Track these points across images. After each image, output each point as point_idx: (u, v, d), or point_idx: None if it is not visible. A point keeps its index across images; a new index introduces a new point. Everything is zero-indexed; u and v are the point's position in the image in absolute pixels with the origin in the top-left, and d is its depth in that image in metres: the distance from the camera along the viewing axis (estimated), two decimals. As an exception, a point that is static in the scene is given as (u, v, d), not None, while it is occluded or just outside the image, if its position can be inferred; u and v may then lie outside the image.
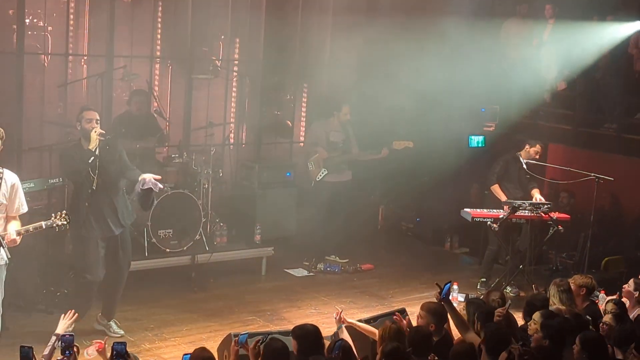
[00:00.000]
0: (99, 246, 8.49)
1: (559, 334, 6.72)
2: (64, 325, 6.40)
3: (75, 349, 5.78)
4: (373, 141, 11.89)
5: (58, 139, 10.57)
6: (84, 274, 8.56)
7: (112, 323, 8.85)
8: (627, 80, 12.79)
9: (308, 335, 6.42)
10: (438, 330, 7.10)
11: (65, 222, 7.53)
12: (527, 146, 11.20)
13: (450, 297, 8.04)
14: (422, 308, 7.29)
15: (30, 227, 7.43)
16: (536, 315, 7.08)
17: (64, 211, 7.56)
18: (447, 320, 7.34)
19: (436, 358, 6.34)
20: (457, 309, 7.46)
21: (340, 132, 11.70)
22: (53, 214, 7.58)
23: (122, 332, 8.77)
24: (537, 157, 11.22)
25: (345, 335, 7.07)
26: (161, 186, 8.54)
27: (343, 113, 11.68)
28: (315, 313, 9.97)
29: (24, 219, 7.63)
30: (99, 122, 8.39)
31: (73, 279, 9.01)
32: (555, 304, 7.90)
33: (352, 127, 11.82)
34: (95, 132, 8.26)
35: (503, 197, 10.92)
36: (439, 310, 7.18)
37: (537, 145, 11.21)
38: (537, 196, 11.00)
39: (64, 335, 5.72)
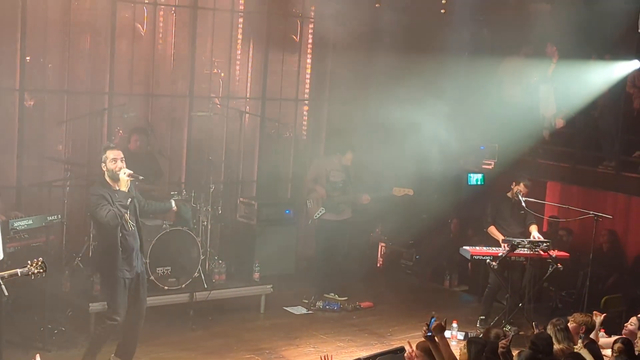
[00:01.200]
0: (126, 287, 8.32)
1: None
2: None
3: None
4: (373, 184, 11.93)
5: (57, 175, 10.59)
6: (113, 316, 8.30)
7: None
8: (626, 118, 12.81)
9: None
10: None
11: (41, 271, 7.46)
12: (513, 183, 11.20)
13: (450, 335, 8.03)
14: (417, 348, 7.26)
15: (6, 274, 7.38)
16: None
17: (41, 259, 7.49)
18: None
19: None
20: (454, 348, 7.44)
21: (340, 171, 11.72)
22: (29, 261, 7.52)
23: None
24: (523, 194, 11.14)
25: None
26: None
27: (346, 158, 11.73)
28: (314, 351, 9.92)
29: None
30: (123, 160, 8.27)
31: (98, 322, 8.73)
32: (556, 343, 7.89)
33: (354, 171, 11.86)
34: (125, 173, 8.16)
35: (500, 237, 10.92)
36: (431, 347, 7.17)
37: (521, 184, 11.14)
38: (534, 233, 10.98)
39: None
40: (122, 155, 8.28)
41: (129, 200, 8.15)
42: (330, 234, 11.68)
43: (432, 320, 7.21)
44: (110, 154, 8.24)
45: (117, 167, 8.17)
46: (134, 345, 8.71)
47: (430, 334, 7.16)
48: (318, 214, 11.62)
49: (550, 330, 8.18)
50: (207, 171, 11.36)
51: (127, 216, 8.18)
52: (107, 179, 8.25)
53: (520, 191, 11.08)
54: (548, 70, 13.19)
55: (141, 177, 8.47)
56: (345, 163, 11.73)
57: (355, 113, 12.45)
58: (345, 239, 11.90)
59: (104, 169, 8.25)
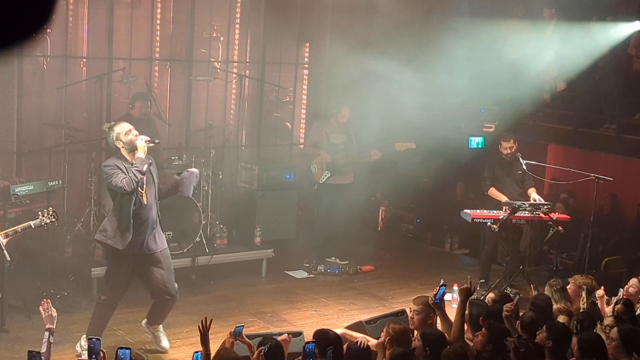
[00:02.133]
0: (129, 265, 8.06)
1: (563, 336, 6.74)
2: (49, 317, 6.34)
3: (102, 354, 5.65)
4: (373, 143, 11.89)
5: (57, 141, 10.58)
6: (107, 291, 8.18)
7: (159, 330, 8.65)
8: (627, 80, 12.80)
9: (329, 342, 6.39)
10: (435, 322, 7.16)
11: (53, 220, 7.50)
12: (501, 142, 11.14)
13: (450, 298, 8.08)
14: (415, 303, 7.31)
15: (19, 227, 7.43)
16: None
17: (51, 208, 7.49)
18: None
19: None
20: (454, 310, 7.49)
21: (341, 133, 11.71)
22: (40, 212, 7.56)
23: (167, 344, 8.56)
24: (510, 152, 10.94)
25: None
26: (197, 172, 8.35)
27: (341, 115, 11.69)
28: (316, 315, 9.97)
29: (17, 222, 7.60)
30: (134, 129, 8.03)
31: (104, 293, 8.35)
32: (554, 303, 7.96)
33: (354, 129, 11.83)
34: (142, 139, 7.90)
35: (503, 198, 10.85)
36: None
37: (510, 140, 11.00)
38: (534, 196, 10.95)
39: (90, 339, 5.60)
40: (132, 126, 8.08)
41: (146, 165, 7.88)
42: (332, 198, 11.69)
43: (442, 288, 7.25)
44: (123, 127, 7.99)
45: (132, 136, 7.92)
46: (162, 316, 8.61)
47: (437, 301, 7.20)
48: (323, 177, 11.62)
49: (547, 291, 8.25)
50: (207, 136, 11.35)
51: (144, 190, 7.93)
52: (124, 153, 7.99)
53: (504, 150, 10.96)
54: (547, 32, 13.15)
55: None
56: (342, 120, 11.70)
57: (355, 75, 12.38)
58: (347, 203, 11.91)
59: (119, 145, 7.97)
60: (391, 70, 12.04)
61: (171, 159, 10.95)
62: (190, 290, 10.28)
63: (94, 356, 5.59)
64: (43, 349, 6.02)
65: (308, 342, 5.69)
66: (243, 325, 6.66)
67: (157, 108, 11.32)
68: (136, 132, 7.97)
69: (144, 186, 7.94)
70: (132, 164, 7.86)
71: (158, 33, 11.91)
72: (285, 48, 12.92)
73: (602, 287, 8.55)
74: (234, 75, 12.43)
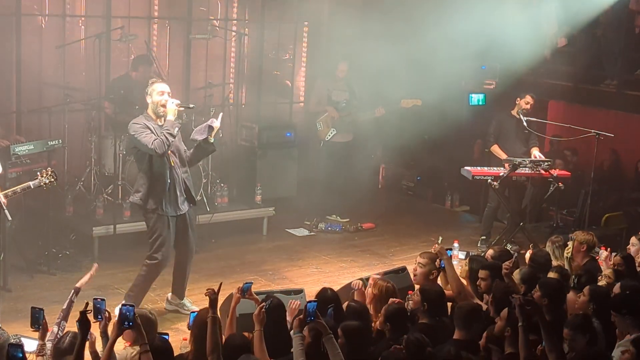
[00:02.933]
0: (171, 226, 8.15)
1: (557, 292, 6.78)
2: (84, 279, 6.45)
3: (106, 314, 5.70)
4: (375, 100, 11.85)
5: (56, 100, 10.55)
6: (154, 254, 8.15)
7: (185, 301, 8.60)
8: (628, 36, 12.72)
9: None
10: (436, 280, 7.20)
11: (52, 180, 7.51)
12: (517, 99, 11.13)
13: (451, 255, 8.12)
14: (421, 256, 7.38)
15: (18, 188, 7.43)
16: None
17: (50, 168, 7.50)
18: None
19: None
20: (455, 267, 7.56)
21: (343, 91, 11.67)
22: (38, 172, 7.56)
23: (196, 307, 8.06)
24: (529, 107, 11.00)
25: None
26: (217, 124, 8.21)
27: (340, 70, 11.65)
28: (317, 272, 10.02)
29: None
30: (171, 94, 8.06)
31: (152, 255, 8.25)
32: (554, 260, 7.99)
33: (357, 86, 11.77)
34: (173, 103, 7.92)
35: (503, 156, 10.87)
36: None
37: (527, 97, 11.04)
38: (535, 153, 10.95)
39: (95, 299, 5.60)
40: (169, 90, 8.08)
41: (177, 129, 7.92)
42: (334, 156, 11.69)
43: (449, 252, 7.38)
44: (158, 87, 8.01)
45: (163, 98, 7.94)
46: (185, 284, 8.60)
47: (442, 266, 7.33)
48: (329, 135, 11.60)
49: (548, 247, 8.28)
50: (207, 95, 11.31)
51: (172, 154, 7.98)
52: (151, 113, 8.02)
53: (523, 107, 10.99)
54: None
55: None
56: (340, 75, 11.66)
57: (355, 32, 12.31)
58: (348, 161, 11.91)
59: (149, 101, 8.01)
60: (390, 27, 11.97)
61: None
62: (191, 249, 10.31)
63: (99, 316, 5.62)
64: (64, 306, 6.23)
65: (310, 301, 5.72)
66: (252, 283, 6.69)
67: (157, 67, 11.27)
68: (168, 97, 7.96)
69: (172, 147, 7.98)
70: (159, 126, 7.88)
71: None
72: (285, 6, 12.82)
73: (604, 248, 8.59)
74: (234, 34, 12.36)
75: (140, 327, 5.34)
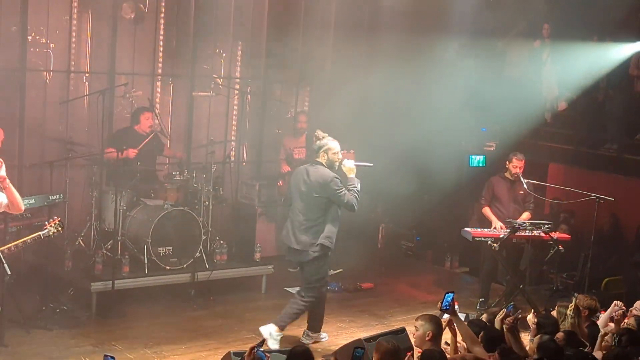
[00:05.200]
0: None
1: (555, 355, 6.75)
2: None
3: None
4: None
5: (58, 155, 10.59)
6: (324, 288, 9.35)
7: (321, 333, 9.53)
8: (628, 101, 12.82)
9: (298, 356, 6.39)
10: (435, 340, 7.08)
11: (60, 229, 7.51)
12: (507, 162, 11.09)
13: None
14: (417, 319, 7.30)
15: (28, 238, 7.41)
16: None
17: (57, 218, 7.51)
18: (443, 331, 7.33)
19: None
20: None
21: (303, 147, 11.82)
22: (47, 222, 7.56)
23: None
24: (519, 170, 10.88)
25: None
26: None
27: (300, 121, 11.81)
28: (315, 332, 9.95)
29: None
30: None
31: (307, 292, 9.23)
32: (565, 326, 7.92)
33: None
34: (351, 162, 9.08)
35: (493, 220, 10.85)
36: (434, 318, 7.17)
37: (514, 159, 10.88)
38: (523, 217, 10.88)
39: (106, 356, 5.65)
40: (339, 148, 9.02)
41: (360, 186, 9.04)
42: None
43: (449, 295, 7.26)
44: (334, 145, 8.95)
45: (336, 158, 8.97)
46: (322, 317, 9.55)
47: (446, 307, 7.21)
48: None
49: (558, 312, 8.20)
50: (209, 152, 11.36)
51: None
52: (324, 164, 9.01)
53: (513, 172, 10.92)
54: (544, 53, 13.21)
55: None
56: (300, 126, 11.82)
57: (356, 92, 12.40)
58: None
59: (323, 158, 8.98)
60: (392, 89, 12.08)
61: (172, 174, 10.95)
62: (189, 306, 10.27)
63: None
64: None
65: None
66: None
67: (160, 123, 11.34)
68: (341, 156, 9.04)
69: None
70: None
71: (161, 49, 11.94)
72: (287, 66, 12.94)
73: (603, 312, 8.56)
74: (236, 92, 12.45)
75: None
